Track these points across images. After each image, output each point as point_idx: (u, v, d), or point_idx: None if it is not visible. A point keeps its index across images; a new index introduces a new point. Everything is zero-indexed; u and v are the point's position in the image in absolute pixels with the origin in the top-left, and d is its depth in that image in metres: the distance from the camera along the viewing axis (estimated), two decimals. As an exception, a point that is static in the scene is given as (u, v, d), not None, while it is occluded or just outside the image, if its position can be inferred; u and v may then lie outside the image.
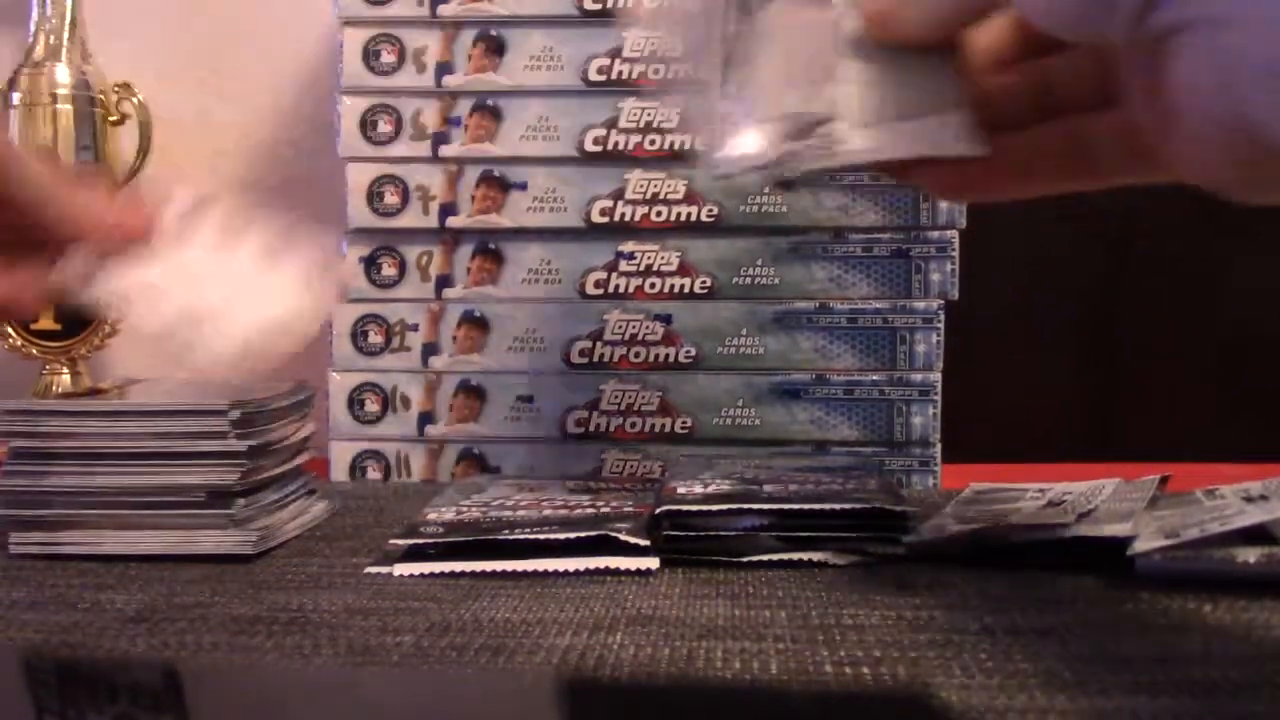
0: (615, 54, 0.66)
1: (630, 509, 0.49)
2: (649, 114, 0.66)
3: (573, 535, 0.45)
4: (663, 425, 0.66)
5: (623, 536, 0.45)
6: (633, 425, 0.66)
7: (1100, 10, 0.30)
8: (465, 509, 0.49)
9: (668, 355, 0.66)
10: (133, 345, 0.85)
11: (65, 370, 0.82)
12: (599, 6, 0.66)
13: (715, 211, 0.66)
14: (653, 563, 0.45)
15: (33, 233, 0.45)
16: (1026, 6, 0.32)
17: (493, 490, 0.55)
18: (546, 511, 0.48)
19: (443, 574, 0.44)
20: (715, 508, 0.46)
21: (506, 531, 0.46)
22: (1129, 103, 0.33)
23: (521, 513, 0.48)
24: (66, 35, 0.81)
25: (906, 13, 0.35)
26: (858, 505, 0.46)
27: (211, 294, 0.46)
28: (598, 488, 0.56)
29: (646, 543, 0.45)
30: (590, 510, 0.49)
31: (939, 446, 0.66)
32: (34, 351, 0.82)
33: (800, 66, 0.36)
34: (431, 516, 0.48)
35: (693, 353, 0.66)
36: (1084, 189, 0.37)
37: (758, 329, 0.66)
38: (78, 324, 0.82)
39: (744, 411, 0.66)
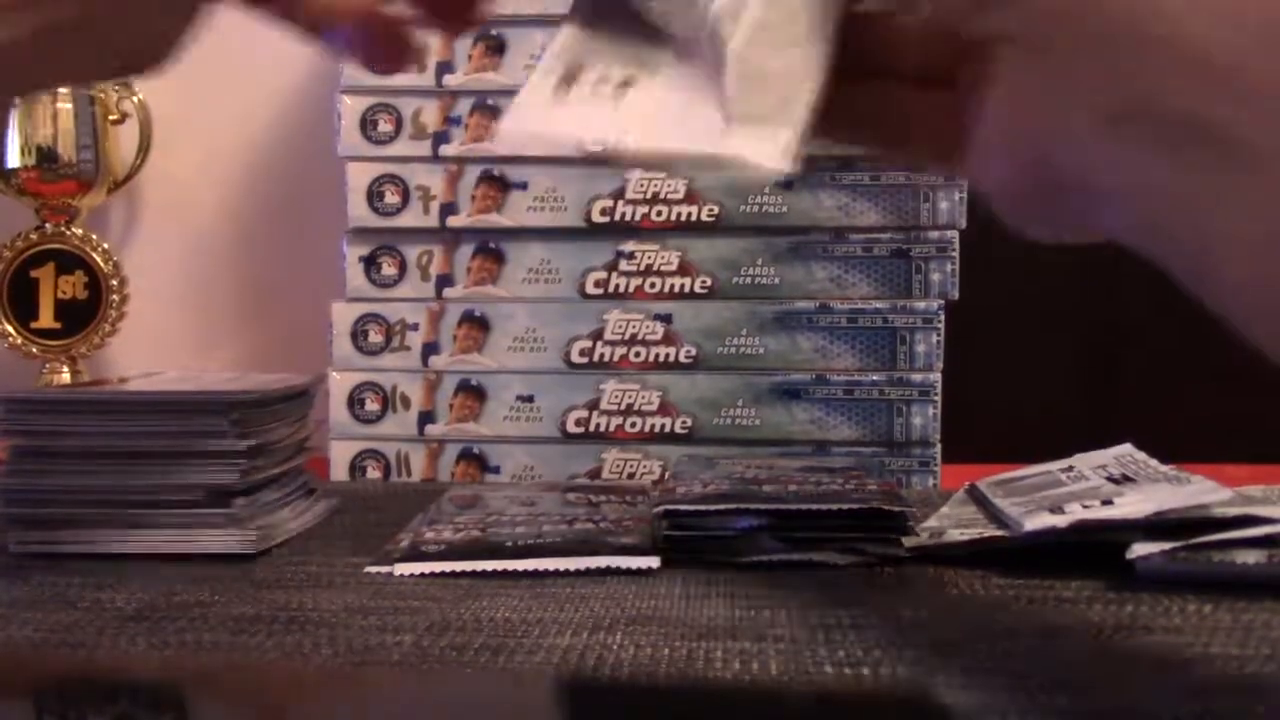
0: (616, 54, 0.66)
1: (629, 521, 0.49)
2: (649, 114, 0.66)
3: (576, 564, 0.44)
4: (663, 425, 0.66)
5: (622, 561, 0.45)
6: (633, 425, 0.66)
7: None
8: (463, 526, 0.49)
9: (668, 355, 0.66)
10: (133, 345, 0.85)
11: (65, 369, 0.82)
12: (599, 6, 0.66)
13: (715, 211, 0.66)
14: (654, 561, 0.45)
15: None
16: None
17: (487, 504, 0.55)
18: (545, 527, 0.48)
19: (443, 574, 0.44)
20: (715, 508, 0.46)
21: (509, 544, 0.46)
22: (958, 94, 0.32)
23: (520, 529, 0.48)
24: (67, 34, 0.81)
25: None
26: (857, 505, 0.46)
27: None
28: (596, 499, 0.56)
29: (650, 550, 0.45)
30: (589, 525, 0.49)
31: (939, 446, 0.66)
32: (34, 350, 0.82)
33: None
34: (430, 535, 0.48)
35: (693, 353, 0.66)
36: (886, 156, 0.36)
37: (758, 329, 0.66)
38: (78, 322, 0.82)
39: (744, 411, 0.66)
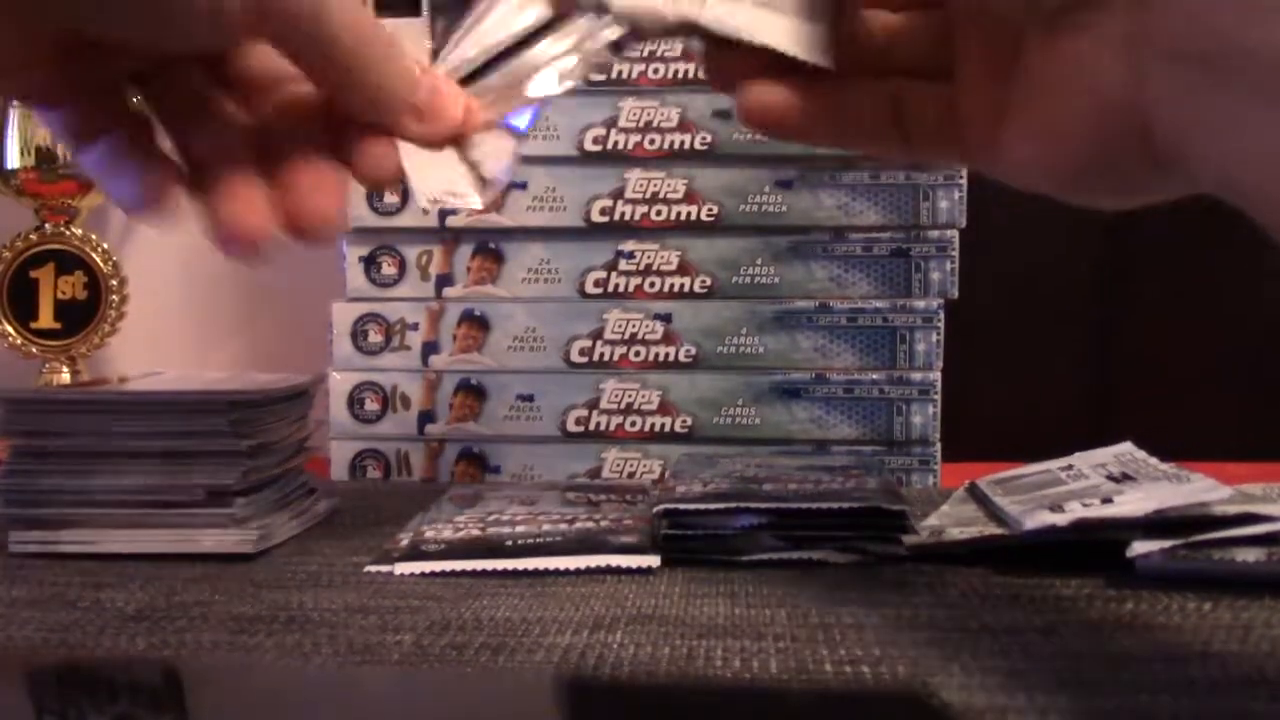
0: (615, 53, 0.66)
1: (629, 521, 0.49)
2: (649, 113, 0.66)
3: (576, 564, 0.44)
4: (663, 425, 0.66)
5: (623, 560, 0.45)
6: (633, 425, 0.66)
7: None
8: (463, 525, 0.49)
9: (668, 355, 0.66)
10: (133, 345, 0.85)
11: (65, 369, 0.82)
12: (599, 6, 0.66)
13: (715, 211, 0.66)
14: (654, 561, 0.45)
15: (328, 108, 0.35)
16: None
17: (487, 503, 0.55)
18: (545, 526, 0.48)
19: (443, 573, 0.44)
20: (714, 506, 0.46)
21: (509, 543, 0.46)
22: (964, 79, 0.33)
23: (520, 528, 0.48)
24: (66, 34, 0.81)
25: None
26: (857, 504, 0.46)
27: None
28: (596, 498, 0.56)
29: (650, 550, 0.45)
30: (589, 524, 0.49)
31: (939, 445, 0.66)
32: (34, 350, 0.82)
33: None
34: (430, 534, 0.48)
35: (693, 352, 0.66)
36: (890, 155, 0.36)
37: (758, 328, 0.66)
38: (77, 322, 0.82)
39: (744, 411, 0.66)
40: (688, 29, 0.35)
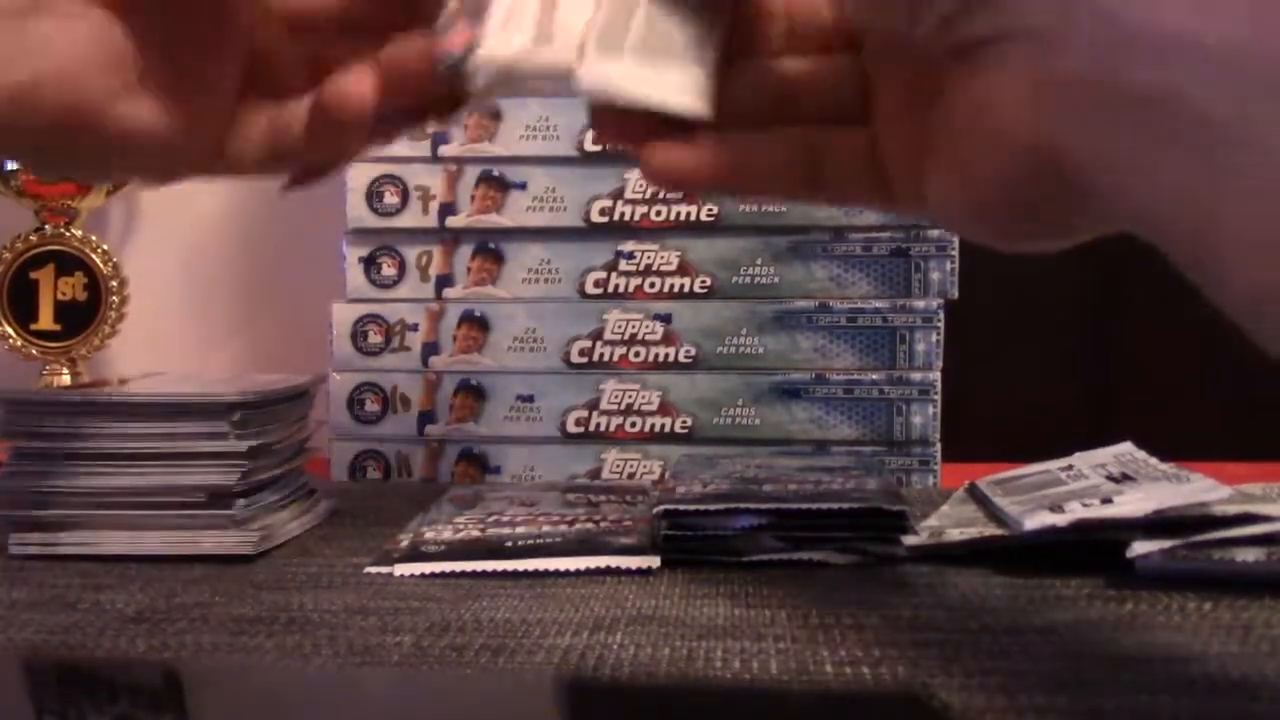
0: (615, 54, 0.66)
1: (629, 521, 0.49)
2: (649, 114, 0.66)
3: (576, 564, 0.44)
4: (663, 425, 0.66)
5: (623, 561, 0.45)
6: (633, 425, 0.66)
7: (912, 4, 0.29)
8: (463, 526, 0.49)
9: (668, 355, 0.66)
10: (133, 346, 0.85)
11: (65, 370, 0.82)
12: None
13: (715, 211, 0.66)
14: (654, 561, 0.45)
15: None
16: None
17: (487, 503, 0.55)
18: (545, 527, 0.48)
19: (443, 574, 0.44)
20: (714, 507, 0.46)
21: (509, 544, 0.46)
22: (884, 121, 0.32)
23: (520, 529, 0.48)
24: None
25: None
26: (857, 505, 0.46)
27: None
28: (596, 498, 0.56)
29: (650, 550, 0.45)
30: (589, 525, 0.49)
31: (939, 446, 0.66)
32: (34, 351, 0.82)
33: None
34: (430, 536, 0.48)
35: (693, 352, 0.66)
36: (806, 202, 0.36)
37: (757, 329, 0.66)
38: (77, 324, 0.82)
39: (744, 411, 0.66)
40: (564, 86, 0.33)
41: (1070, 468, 0.52)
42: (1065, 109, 0.26)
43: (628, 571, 0.44)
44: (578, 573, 0.44)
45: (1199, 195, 0.24)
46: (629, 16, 0.33)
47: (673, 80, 0.33)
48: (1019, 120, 0.27)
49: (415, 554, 0.46)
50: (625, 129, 0.34)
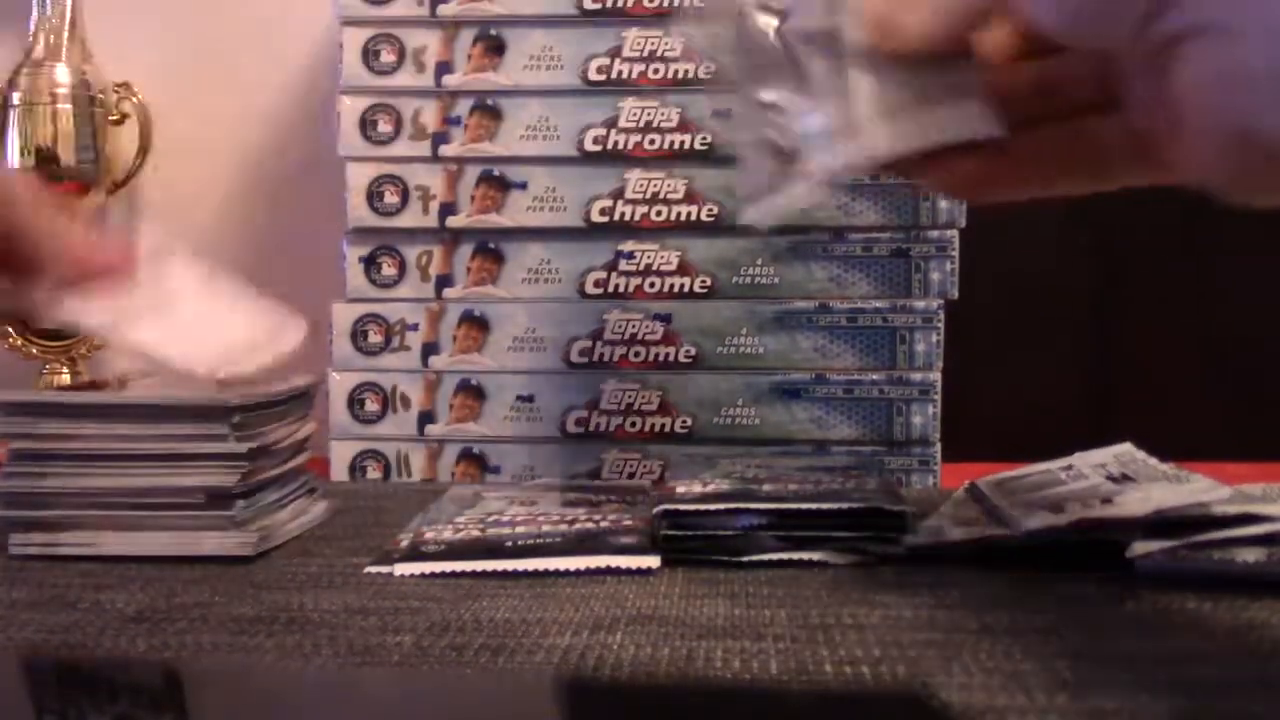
0: (615, 53, 0.66)
1: (629, 521, 0.49)
2: (649, 113, 0.66)
3: (575, 564, 0.45)
4: (663, 425, 0.66)
5: (622, 561, 0.45)
6: (633, 425, 0.66)
7: (1106, 18, 0.30)
8: (463, 526, 0.49)
9: (668, 355, 0.66)
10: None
11: (65, 370, 0.82)
12: (599, 6, 0.66)
13: (715, 211, 0.66)
14: (654, 561, 0.45)
15: (11, 256, 0.45)
16: (1035, 12, 0.32)
17: (487, 503, 0.55)
18: (545, 527, 0.48)
19: (443, 574, 0.44)
20: (714, 507, 0.46)
21: (509, 544, 0.46)
22: (1131, 106, 0.34)
23: (520, 529, 0.48)
24: (66, 35, 0.81)
25: (907, 18, 0.35)
26: (857, 505, 0.46)
27: (180, 325, 0.47)
28: (596, 498, 0.56)
29: (650, 550, 0.45)
30: (589, 525, 0.49)
31: (939, 446, 0.66)
32: (34, 351, 0.82)
33: (815, 81, 0.37)
34: (430, 535, 0.48)
35: (693, 352, 0.66)
36: (1091, 190, 0.38)
37: (758, 329, 0.66)
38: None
39: (744, 411, 0.66)
40: (868, 168, 0.38)
41: (1070, 468, 0.52)
42: (1257, 98, 0.28)
43: (628, 571, 0.44)
44: (577, 572, 0.44)
45: None
46: (886, 90, 0.36)
47: (955, 115, 0.36)
48: (1213, 113, 0.29)
49: (415, 554, 0.46)
50: (921, 172, 0.38)
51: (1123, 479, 0.49)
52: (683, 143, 0.66)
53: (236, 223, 0.89)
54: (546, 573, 0.44)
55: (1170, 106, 0.31)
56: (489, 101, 0.67)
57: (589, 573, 0.44)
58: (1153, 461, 0.51)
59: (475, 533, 0.48)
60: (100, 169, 0.82)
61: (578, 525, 0.49)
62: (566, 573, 0.44)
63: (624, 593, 0.42)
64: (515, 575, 0.44)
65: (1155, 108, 0.32)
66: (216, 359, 0.46)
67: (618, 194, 0.66)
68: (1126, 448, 0.54)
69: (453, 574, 0.44)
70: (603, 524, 0.49)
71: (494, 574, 0.44)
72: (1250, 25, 0.28)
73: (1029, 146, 0.37)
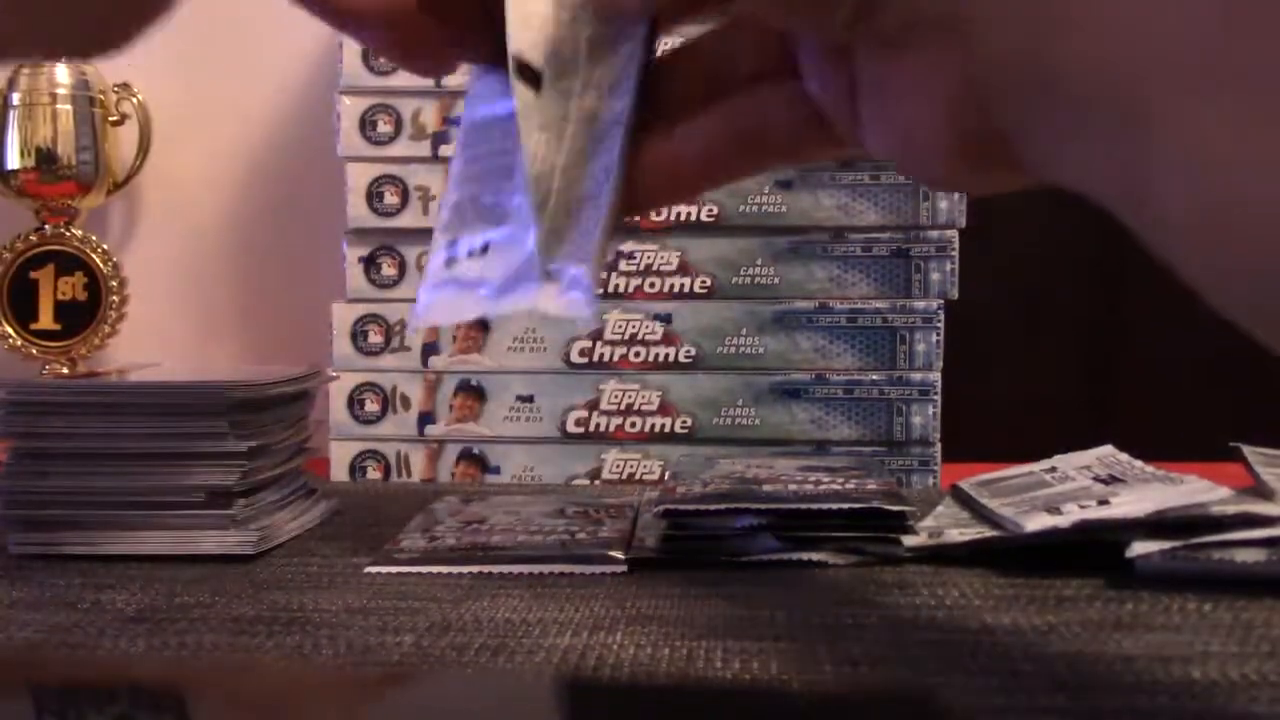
0: (615, 54, 0.66)
1: (605, 534, 0.49)
2: (649, 114, 0.66)
3: (576, 567, 0.44)
4: (663, 425, 0.66)
5: (614, 569, 0.44)
6: (633, 425, 0.66)
7: (817, 7, 0.29)
8: (463, 526, 0.49)
9: (668, 355, 0.66)
10: (133, 346, 0.85)
11: (65, 370, 0.82)
12: (599, 6, 0.66)
13: (715, 211, 0.66)
14: (620, 567, 0.44)
15: None
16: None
17: (487, 504, 0.54)
18: (521, 538, 0.48)
19: (443, 574, 0.44)
20: (714, 507, 0.46)
21: (509, 544, 0.46)
22: (810, 79, 0.32)
23: (519, 530, 0.48)
24: (66, 35, 0.81)
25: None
26: (857, 505, 0.46)
27: None
28: (594, 499, 0.56)
29: (620, 555, 0.45)
30: (564, 535, 0.48)
31: (939, 446, 0.66)
32: (34, 351, 0.82)
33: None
34: (430, 535, 0.48)
35: (693, 353, 0.66)
36: (766, 168, 0.35)
37: (758, 329, 0.66)
38: (77, 323, 0.82)
39: (744, 411, 0.66)
40: None
41: (1054, 469, 0.52)
42: (989, 91, 0.26)
43: (627, 572, 0.44)
44: (577, 573, 0.44)
45: (1131, 176, 0.24)
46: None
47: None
48: (952, 101, 0.27)
49: (415, 554, 0.46)
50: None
51: (1111, 480, 0.49)
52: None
53: (236, 223, 0.89)
54: (546, 573, 0.44)
55: (880, 93, 0.29)
56: (489, 101, 0.67)
57: (589, 573, 0.44)
58: (1137, 464, 0.51)
59: (475, 533, 0.48)
60: (100, 169, 0.82)
61: (553, 536, 0.48)
62: (566, 573, 0.44)
63: (624, 593, 0.42)
64: (515, 575, 0.44)
65: (841, 91, 0.30)
66: None
67: (618, 194, 0.66)
68: (1108, 450, 0.54)
69: (452, 574, 0.44)
70: (579, 535, 0.48)
71: (494, 574, 0.44)
72: (993, 18, 0.26)
73: (698, 134, 0.33)
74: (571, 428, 0.67)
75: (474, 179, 0.35)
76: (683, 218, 0.66)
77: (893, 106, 0.29)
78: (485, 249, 0.34)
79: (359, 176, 0.68)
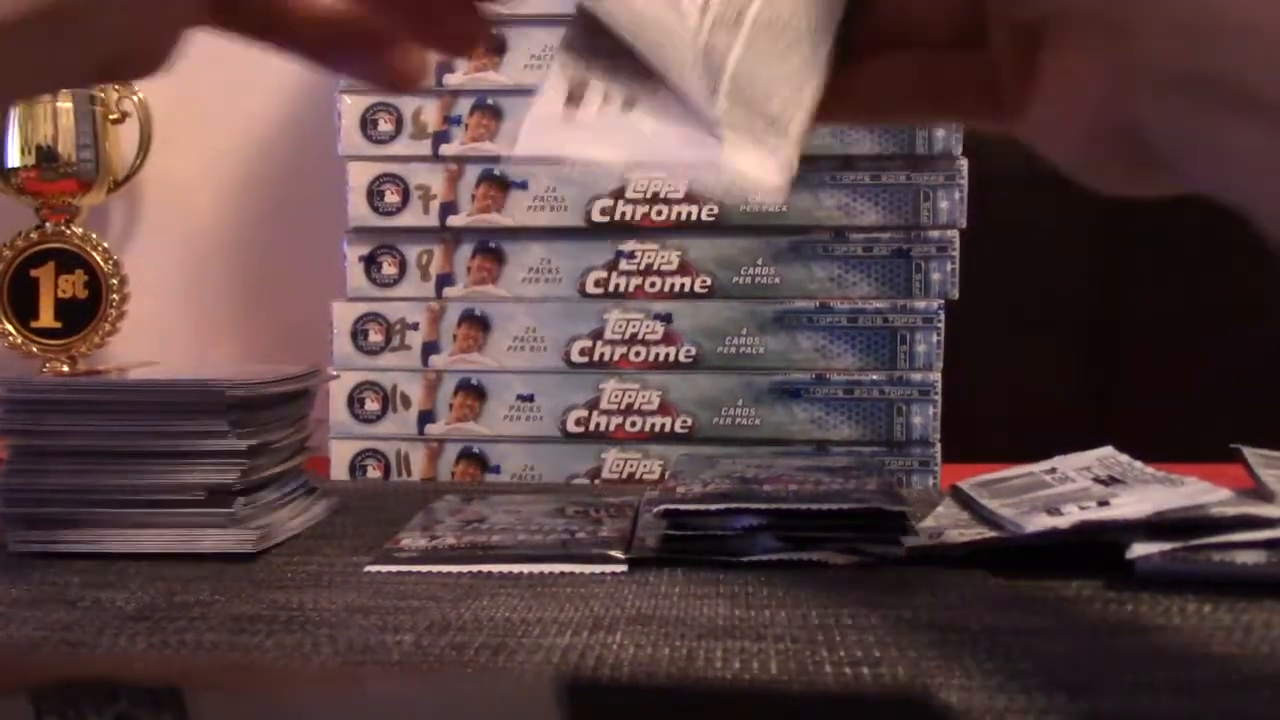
0: (616, 53, 0.66)
1: (605, 533, 0.49)
2: (649, 113, 0.66)
3: (575, 566, 0.44)
4: (663, 425, 0.66)
5: (614, 568, 0.44)
6: (633, 425, 0.66)
7: None
8: (462, 525, 0.49)
9: (668, 355, 0.66)
10: (133, 344, 0.85)
11: (65, 368, 0.82)
12: (600, 6, 0.66)
13: (715, 211, 0.66)
14: (620, 567, 0.44)
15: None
16: None
17: (486, 503, 0.54)
18: (521, 537, 0.48)
19: (443, 573, 0.44)
20: (714, 507, 0.46)
21: (509, 544, 0.46)
22: (995, 51, 0.32)
23: (519, 529, 0.48)
24: (67, 33, 0.81)
25: None
26: (857, 505, 0.46)
27: None
28: (594, 499, 0.56)
29: (620, 554, 0.45)
30: (588, 526, 0.48)
31: (939, 446, 0.66)
32: (34, 349, 0.82)
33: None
34: (430, 535, 0.48)
35: (693, 352, 0.66)
36: (933, 123, 0.35)
37: (758, 329, 0.66)
38: (78, 322, 0.82)
39: (744, 411, 0.66)
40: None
41: (1054, 470, 0.52)
42: (1146, 92, 0.27)
43: (627, 572, 0.44)
44: (577, 573, 0.44)
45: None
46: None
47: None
48: (1101, 98, 0.28)
49: (415, 554, 0.46)
50: None
51: (1110, 481, 0.49)
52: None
53: (237, 222, 0.89)
54: (545, 573, 0.44)
55: (1045, 74, 0.30)
56: (490, 100, 0.67)
57: (588, 573, 0.44)
58: (1137, 465, 0.51)
59: (475, 533, 0.48)
60: (100, 167, 0.81)
61: (575, 527, 0.49)
62: (566, 573, 0.44)
63: (624, 593, 0.42)
64: (515, 575, 0.44)
65: (1016, 71, 0.31)
66: None
67: (618, 193, 0.66)
68: (1108, 451, 0.54)
69: (452, 574, 0.44)
70: (579, 534, 0.48)
71: (494, 574, 0.44)
72: (1151, 20, 0.26)
73: (873, 73, 0.34)
74: (572, 427, 0.67)
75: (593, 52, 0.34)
76: (683, 217, 0.66)
77: (1049, 96, 0.30)
78: (628, 103, 0.32)
79: (360, 175, 0.68)
